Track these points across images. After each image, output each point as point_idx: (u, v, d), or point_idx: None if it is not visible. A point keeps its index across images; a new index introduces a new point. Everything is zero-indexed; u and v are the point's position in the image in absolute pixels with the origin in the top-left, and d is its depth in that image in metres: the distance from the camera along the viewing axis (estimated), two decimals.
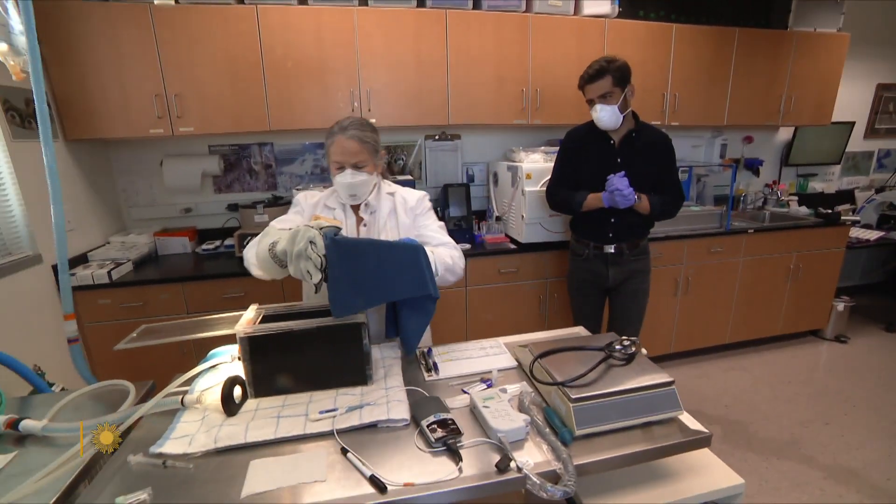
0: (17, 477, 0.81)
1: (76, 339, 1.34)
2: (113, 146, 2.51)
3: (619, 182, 1.82)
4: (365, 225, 1.40)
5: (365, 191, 1.35)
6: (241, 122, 2.28)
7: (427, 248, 1.19)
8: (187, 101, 2.20)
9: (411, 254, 1.09)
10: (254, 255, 1.14)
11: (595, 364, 0.96)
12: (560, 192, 2.07)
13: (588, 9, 2.57)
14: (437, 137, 2.91)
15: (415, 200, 1.43)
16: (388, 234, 1.38)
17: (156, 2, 1.06)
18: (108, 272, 2.04)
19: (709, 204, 3.11)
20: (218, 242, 2.54)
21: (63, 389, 1.46)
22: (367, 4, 2.34)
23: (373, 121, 2.42)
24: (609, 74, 1.78)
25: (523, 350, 1.18)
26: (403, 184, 2.41)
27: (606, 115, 1.83)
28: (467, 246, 2.48)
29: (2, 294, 1.72)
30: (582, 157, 1.99)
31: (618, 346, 1.03)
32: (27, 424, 0.92)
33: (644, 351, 1.07)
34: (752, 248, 2.88)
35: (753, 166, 3.49)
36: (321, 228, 1.01)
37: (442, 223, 1.45)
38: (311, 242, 0.98)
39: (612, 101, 1.81)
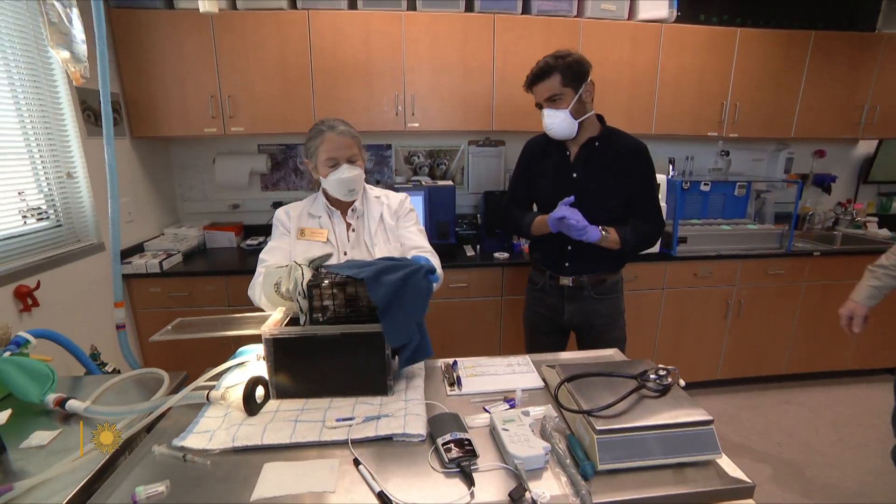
0: (57, 454, 0.86)
1: (123, 326, 1.42)
2: (172, 144, 2.67)
3: (567, 213, 1.44)
4: (353, 230, 1.39)
5: (360, 186, 1.36)
6: (289, 122, 2.36)
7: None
8: (239, 101, 2.30)
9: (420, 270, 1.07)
10: (262, 300, 1.17)
11: (626, 394, 0.90)
12: (511, 212, 1.76)
13: (644, 13, 2.45)
14: (480, 143, 2.88)
15: (397, 203, 1.43)
16: (379, 238, 1.38)
17: (215, 11, 1.11)
18: (160, 262, 2.17)
19: (768, 222, 2.88)
20: (261, 238, 2.63)
21: (115, 370, 1.56)
22: (415, 9, 2.35)
23: (416, 125, 2.44)
24: (557, 72, 1.47)
25: (551, 371, 1.12)
26: (443, 190, 2.43)
27: (555, 123, 1.51)
28: (506, 255, 2.42)
29: (70, 278, 1.86)
30: (537, 170, 1.68)
31: (652, 376, 0.95)
32: (72, 404, 0.98)
33: (682, 382, 0.98)
34: (819, 272, 2.63)
35: (824, 183, 3.20)
36: (311, 262, 1.03)
37: (422, 228, 1.45)
38: (297, 282, 1.00)
39: (561, 104, 1.50)
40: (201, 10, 0.99)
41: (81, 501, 0.76)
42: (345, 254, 1.38)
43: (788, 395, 2.78)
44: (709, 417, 0.85)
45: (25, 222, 1.75)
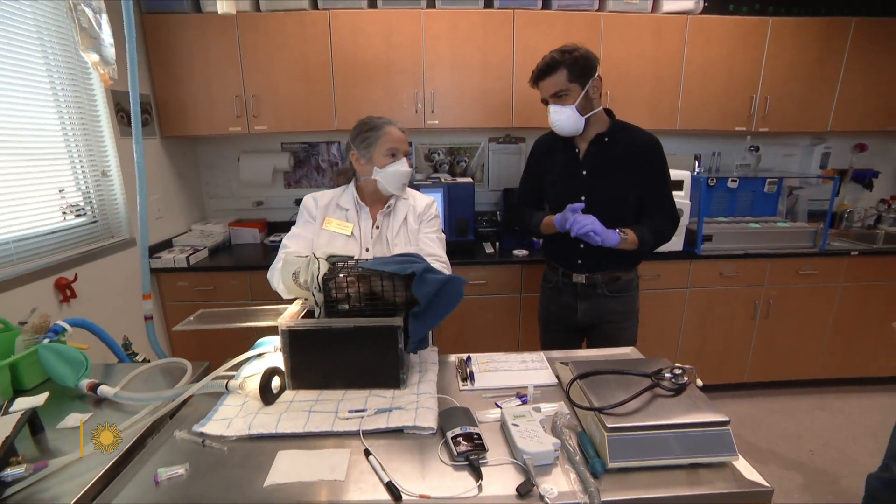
0: (89, 435, 0.91)
1: (150, 317, 1.48)
2: (199, 142, 2.76)
3: (581, 220, 1.41)
4: (377, 227, 1.40)
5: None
6: (311, 121, 2.40)
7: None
8: (263, 101, 2.36)
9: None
10: (280, 286, 1.20)
11: (639, 392, 0.88)
12: (522, 211, 1.74)
13: (668, 5, 2.39)
14: (500, 140, 2.87)
15: (423, 206, 1.43)
16: (400, 239, 1.39)
17: (233, 11, 1.15)
18: (187, 257, 2.25)
19: (801, 220, 2.76)
20: (284, 235, 2.69)
21: (144, 360, 1.63)
22: (434, 7, 2.36)
23: (436, 122, 2.45)
24: (563, 68, 1.44)
25: (564, 368, 1.11)
26: (462, 187, 2.44)
27: (562, 119, 1.48)
28: (525, 252, 2.41)
29: (104, 271, 1.96)
30: (546, 168, 1.66)
31: (668, 374, 0.94)
32: (103, 389, 1.03)
33: (699, 382, 0.96)
34: (856, 272, 2.51)
35: (865, 179, 3.04)
36: (329, 256, 1.05)
37: (443, 235, 1.45)
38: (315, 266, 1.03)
39: (567, 100, 1.47)
40: (219, 10, 1.02)
41: (109, 479, 0.80)
42: (367, 250, 1.39)
43: (822, 400, 2.66)
44: (725, 418, 0.83)
45: (65, 218, 1.85)
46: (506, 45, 2.37)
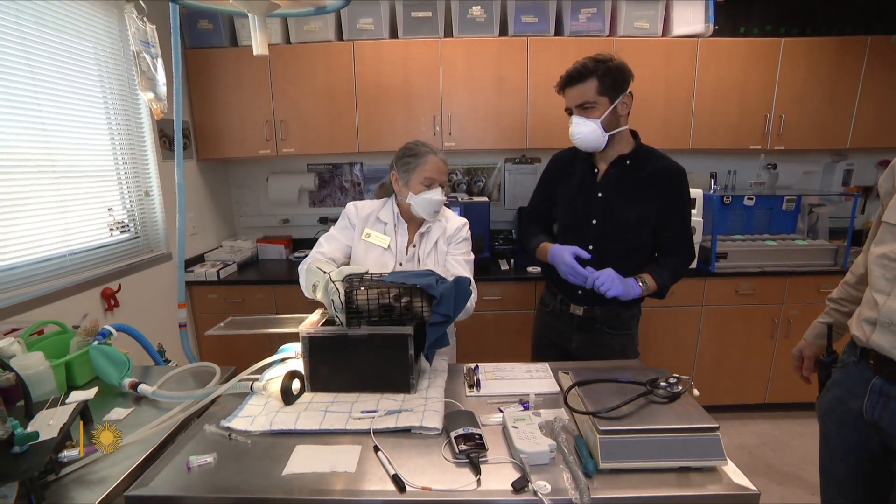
0: (131, 427, 1.01)
1: (184, 325, 1.61)
2: (230, 164, 2.95)
3: (603, 283, 1.32)
4: (414, 245, 1.47)
5: (441, 210, 1.45)
6: (335, 144, 2.55)
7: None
8: (290, 125, 2.53)
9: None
10: (306, 287, 1.29)
11: (632, 398, 0.93)
12: (526, 226, 1.67)
13: (679, 29, 2.46)
14: (516, 161, 2.96)
15: (454, 228, 1.47)
16: (430, 260, 1.45)
17: (266, 53, 1.27)
18: (218, 272, 2.40)
19: (822, 238, 2.73)
20: (308, 251, 2.82)
21: (175, 364, 1.75)
22: (452, 35, 2.50)
23: (453, 144, 2.57)
24: (595, 78, 1.33)
25: (566, 377, 1.16)
26: (478, 206, 2.53)
27: (583, 132, 1.37)
28: (539, 269, 2.46)
29: (143, 283, 2.12)
30: (561, 184, 1.56)
31: (663, 383, 0.98)
32: (143, 388, 1.14)
33: (696, 392, 1.00)
34: None
35: None
36: (345, 277, 1.13)
37: (471, 257, 1.49)
38: (332, 300, 1.11)
39: (593, 113, 1.36)
40: (255, 53, 1.15)
41: (148, 465, 0.90)
42: (400, 264, 1.46)
43: None
44: (714, 424, 0.87)
45: (112, 234, 2.03)
46: (520, 70, 2.48)
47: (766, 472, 2.23)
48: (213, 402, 1.12)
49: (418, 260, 1.46)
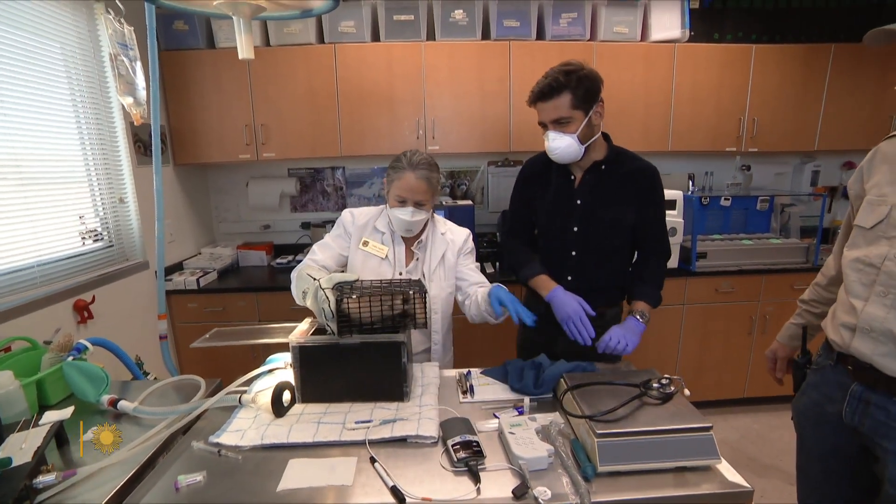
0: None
1: (165, 337, 1.55)
2: (210, 169, 2.88)
3: (616, 345, 1.33)
4: (417, 259, 1.44)
5: (419, 227, 1.41)
6: (316, 148, 2.52)
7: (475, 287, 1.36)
8: (271, 129, 2.48)
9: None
10: (297, 294, 1.25)
11: (627, 400, 0.94)
12: (512, 245, 1.63)
13: (657, 34, 2.52)
14: (499, 164, 2.97)
15: (461, 241, 1.47)
16: (438, 275, 1.43)
17: (252, 57, 1.22)
18: (197, 279, 2.33)
19: (794, 236, 2.83)
20: (290, 257, 2.78)
21: (155, 378, 1.69)
22: (434, 39, 2.49)
23: (436, 147, 2.56)
24: (568, 91, 1.30)
25: (560, 380, 1.17)
26: (462, 209, 2.53)
27: (561, 148, 1.36)
28: None
29: (119, 294, 2.04)
30: (537, 193, 1.54)
31: (655, 384, 0.99)
32: (123, 405, 1.09)
33: (687, 392, 1.02)
34: None
35: None
36: (335, 284, 1.11)
37: (478, 263, 1.52)
38: (323, 308, 1.09)
39: (569, 128, 1.34)
40: (240, 56, 1.12)
41: (132, 487, 0.86)
42: (400, 274, 1.42)
43: None
44: (708, 424, 0.88)
45: (84, 243, 1.94)
46: (503, 73, 2.49)
47: (748, 464, 2.29)
48: (198, 417, 1.08)
49: (423, 275, 1.43)
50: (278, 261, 2.75)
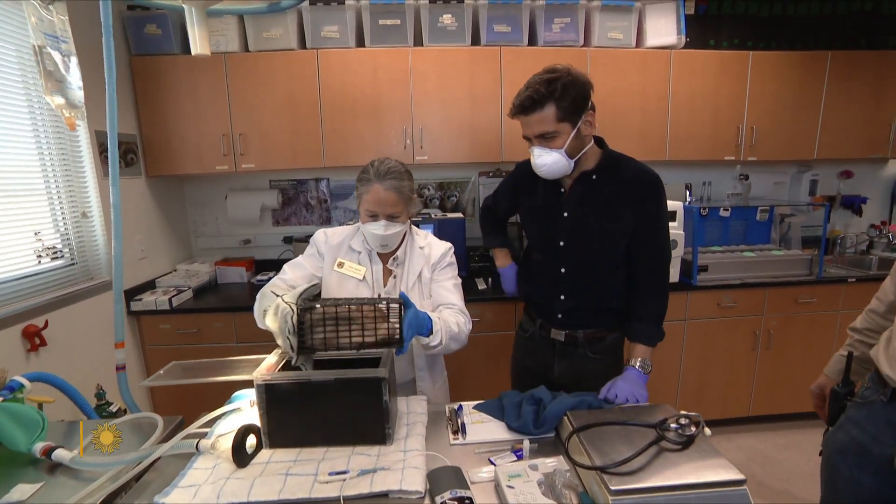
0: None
1: (123, 367, 1.39)
2: (186, 181, 2.73)
3: (623, 395, 1.19)
4: (395, 276, 1.32)
5: (396, 241, 1.29)
6: (299, 158, 2.39)
7: (434, 315, 1.17)
8: (250, 139, 2.35)
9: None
10: (258, 314, 1.17)
11: (643, 447, 0.81)
12: (488, 215, 1.66)
13: (652, 40, 2.44)
14: (491, 174, 2.86)
15: (438, 255, 1.34)
16: (414, 293, 1.31)
17: (208, 53, 1.14)
18: (170, 299, 2.17)
19: (795, 248, 2.75)
20: (272, 273, 2.61)
21: (119, 410, 1.52)
22: (421, 45, 2.39)
23: (425, 157, 2.44)
24: (552, 102, 1.17)
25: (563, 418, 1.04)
26: (452, 222, 2.41)
27: (546, 164, 1.23)
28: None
29: (80, 316, 1.87)
30: (526, 197, 1.45)
31: (673, 425, 0.87)
32: (59, 454, 0.94)
33: (707, 431, 0.89)
34: (855, 299, 2.47)
35: (854, 205, 3.06)
36: (299, 296, 1.01)
37: (458, 281, 1.36)
38: (286, 320, 0.97)
39: (555, 143, 1.21)
40: (193, 52, 1.00)
41: None
42: (378, 295, 1.31)
43: None
44: (740, 476, 0.76)
45: (40, 262, 1.78)
46: (493, 80, 2.39)
47: (757, 490, 2.17)
48: (151, 465, 0.93)
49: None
50: (259, 277, 2.60)
